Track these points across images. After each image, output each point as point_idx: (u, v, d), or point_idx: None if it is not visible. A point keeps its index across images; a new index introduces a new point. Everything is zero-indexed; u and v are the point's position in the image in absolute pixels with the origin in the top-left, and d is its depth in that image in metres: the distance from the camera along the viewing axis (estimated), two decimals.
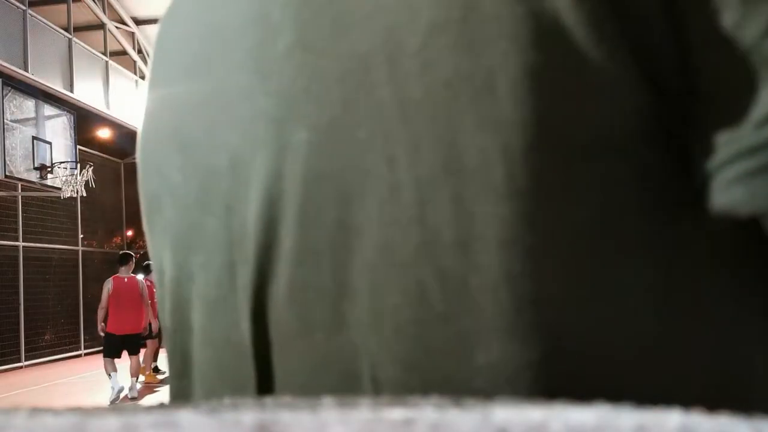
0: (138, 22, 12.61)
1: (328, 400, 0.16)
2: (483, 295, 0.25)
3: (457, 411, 0.15)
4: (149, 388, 7.26)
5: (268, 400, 0.17)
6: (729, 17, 0.24)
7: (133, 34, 12.74)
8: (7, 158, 8.57)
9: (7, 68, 8.81)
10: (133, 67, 12.69)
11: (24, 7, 9.41)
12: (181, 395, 0.37)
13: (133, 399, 6.75)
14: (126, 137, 12.33)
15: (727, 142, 0.24)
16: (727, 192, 0.24)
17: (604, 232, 0.25)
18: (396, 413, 0.15)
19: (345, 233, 0.28)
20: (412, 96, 0.27)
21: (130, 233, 14.65)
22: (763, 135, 0.23)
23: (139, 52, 12.90)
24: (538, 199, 0.25)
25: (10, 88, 8.87)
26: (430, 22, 0.27)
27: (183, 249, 0.36)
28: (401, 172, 0.27)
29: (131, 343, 7.03)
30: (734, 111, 0.24)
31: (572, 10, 0.25)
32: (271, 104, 0.31)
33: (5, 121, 8.66)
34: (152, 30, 12.74)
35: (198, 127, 0.35)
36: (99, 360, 7.53)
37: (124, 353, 7.02)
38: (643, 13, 0.25)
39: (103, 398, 6.72)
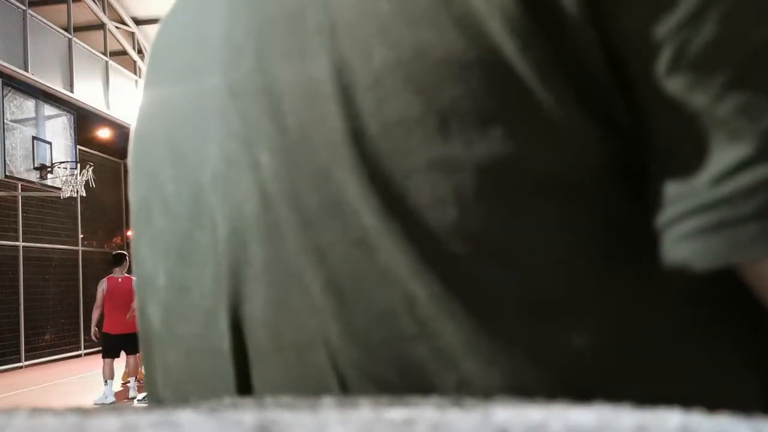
0: (138, 22, 12.61)
1: (328, 401, 0.16)
2: (446, 321, 0.26)
3: (457, 411, 0.15)
4: (141, 388, 7.26)
5: (268, 400, 0.17)
6: (679, 82, 0.24)
7: (133, 34, 12.74)
8: (7, 158, 8.57)
9: (7, 68, 8.80)
10: (133, 67, 12.68)
11: (24, 7, 9.41)
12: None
13: (133, 399, 6.76)
14: (126, 137, 12.29)
15: (677, 197, 0.25)
16: (681, 247, 0.25)
17: (560, 270, 0.26)
18: (396, 413, 0.15)
19: (310, 256, 0.29)
20: (367, 131, 0.28)
21: (130, 233, 14.62)
22: (718, 192, 0.24)
23: (139, 52, 12.89)
24: (492, 240, 0.26)
25: (10, 88, 8.86)
26: (382, 60, 0.28)
27: (177, 260, 0.36)
28: (358, 201, 0.28)
29: (129, 343, 7.02)
30: (683, 166, 0.25)
31: (519, 57, 0.25)
32: (239, 124, 0.32)
33: (5, 121, 8.65)
34: (152, 30, 12.72)
35: (188, 137, 0.36)
36: (99, 360, 7.53)
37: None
38: (587, 62, 0.26)
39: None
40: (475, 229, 0.26)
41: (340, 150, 0.28)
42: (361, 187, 0.27)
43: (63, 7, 11.00)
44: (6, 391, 8.17)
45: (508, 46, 0.26)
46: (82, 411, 0.16)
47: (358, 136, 0.28)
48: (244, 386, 0.32)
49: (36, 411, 0.16)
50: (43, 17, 9.90)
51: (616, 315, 0.26)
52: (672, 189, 0.25)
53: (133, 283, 0.43)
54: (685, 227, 0.25)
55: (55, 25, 10.22)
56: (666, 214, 0.25)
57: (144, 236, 0.39)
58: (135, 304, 0.41)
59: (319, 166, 0.29)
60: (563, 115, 0.25)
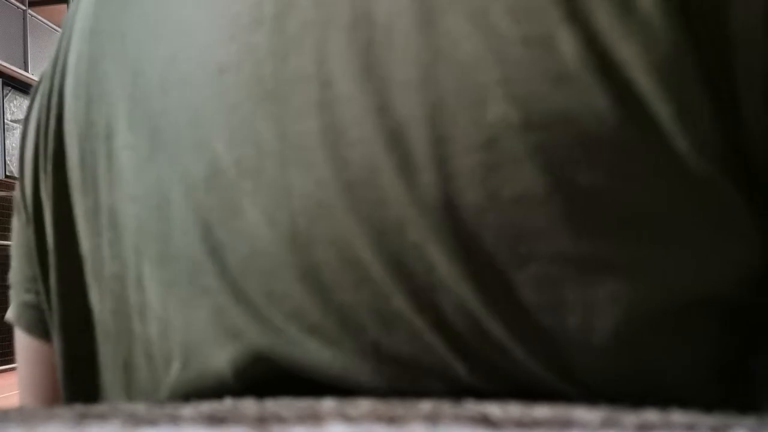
0: None
1: (328, 401, 0.16)
2: None
3: (453, 409, 0.15)
4: None
5: (269, 400, 0.17)
6: None
7: None
8: (7, 158, 8.58)
9: (7, 68, 8.81)
10: None
11: (24, 7, 9.41)
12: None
13: None
14: None
15: None
16: None
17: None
18: (395, 413, 0.15)
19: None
20: (464, 200, 0.23)
21: None
22: None
23: None
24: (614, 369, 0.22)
25: (10, 88, 8.88)
26: (500, 117, 0.22)
27: (144, 226, 0.31)
28: (450, 282, 0.24)
29: None
30: None
31: (695, 154, 0.21)
32: (273, 136, 0.27)
33: (5, 121, 8.67)
34: None
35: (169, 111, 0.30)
36: None
37: None
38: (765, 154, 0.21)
39: None
40: (597, 343, 0.22)
41: (428, 218, 0.23)
42: (453, 269, 0.23)
43: (63, 7, 10.99)
44: (6, 391, 8.16)
45: (681, 141, 0.21)
46: (81, 411, 0.16)
47: (452, 205, 0.22)
48: None
49: (36, 411, 0.16)
50: (43, 17, 9.90)
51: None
52: None
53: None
54: None
55: (55, 25, 10.22)
56: None
57: (79, 207, 0.33)
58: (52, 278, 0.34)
59: (393, 225, 0.23)
60: (742, 222, 0.21)
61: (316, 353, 0.25)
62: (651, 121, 0.21)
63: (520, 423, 0.15)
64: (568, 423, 0.15)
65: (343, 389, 0.25)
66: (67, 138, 0.33)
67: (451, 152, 0.22)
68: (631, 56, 0.21)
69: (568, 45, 0.21)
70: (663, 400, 0.21)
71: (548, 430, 0.14)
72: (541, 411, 0.15)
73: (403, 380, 0.24)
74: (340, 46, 0.24)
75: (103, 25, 0.33)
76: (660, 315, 0.22)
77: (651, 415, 0.15)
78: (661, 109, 0.21)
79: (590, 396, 0.22)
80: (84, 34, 0.34)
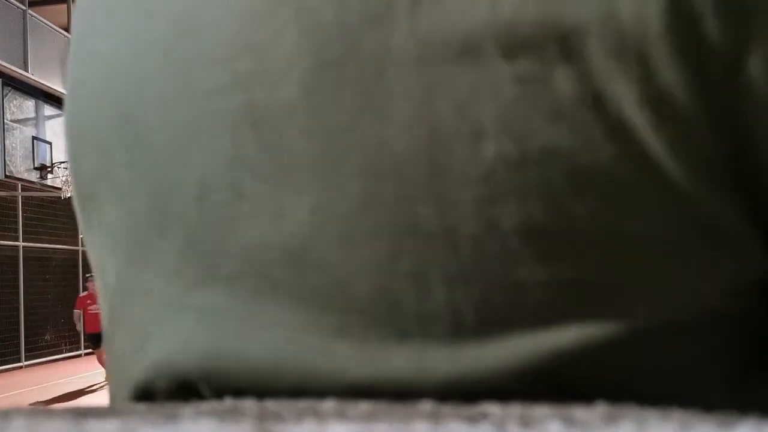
0: None
1: (328, 401, 0.16)
2: None
3: (453, 409, 0.15)
4: None
5: (269, 400, 0.17)
6: None
7: None
8: (7, 158, 8.60)
9: (7, 68, 8.81)
10: None
11: (24, 7, 9.41)
12: None
13: None
14: None
15: None
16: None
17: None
18: (395, 413, 0.15)
19: None
20: (461, 232, 0.23)
21: None
22: None
23: None
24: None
25: (10, 88, 8.89)
26: (498, 152, 0.23)
27: (127, 264, 0.30)
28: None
29: None
30: None
31: (705, 196, 0.21)
32: (257, 148, 0.27)
33: (5, 121, 8.68)
34: None
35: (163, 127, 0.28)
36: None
37: None
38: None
39: (103, 398, 6.72)
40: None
41: (427, 247, 0.23)
42: (451, 295, 0.22)
43: (63, 7, 11.01)
44: (6, 391, 8.18)
45: (675, 171, 0.21)
46: (81, 411, 0.16)
47: (451, 235, 0.23)
48: None
49: (35, 411, 0.16)
50: (43, 17, 9.91)
51: None
52: None
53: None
54: None
55: (55, 25, 10.23)
56: None
57: (93, 224, 0.32)
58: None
59: (387, 254, 0.23)
60: (743, 248, 0.22)
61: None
62: (644, 153, 0.21)
63: (520, 422, 0.15)
64: (568, 422, 0.15)
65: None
66: None
67: (449, 185, 0.23)
68: (624, 92, 0.21)
69: (563, 82, 0.22)
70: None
71: (548, 428, 0.14)
72: (542, 410, 0.15)
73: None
74: (328, 80, 0.24)
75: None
76: (652, 334, 0.22)
77: (651, 415, 0.15)
78: (654, 141, 0.21)
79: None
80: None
